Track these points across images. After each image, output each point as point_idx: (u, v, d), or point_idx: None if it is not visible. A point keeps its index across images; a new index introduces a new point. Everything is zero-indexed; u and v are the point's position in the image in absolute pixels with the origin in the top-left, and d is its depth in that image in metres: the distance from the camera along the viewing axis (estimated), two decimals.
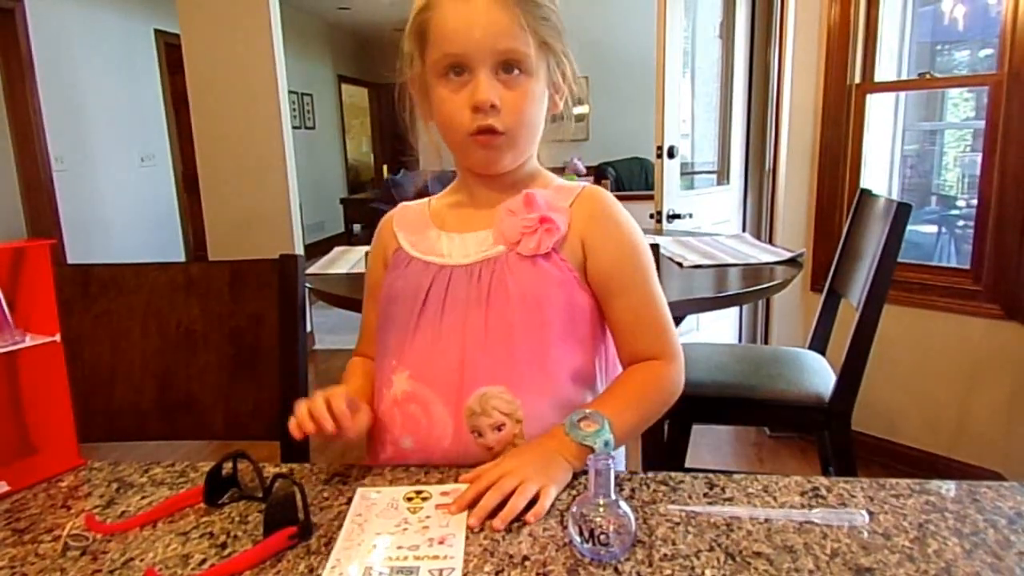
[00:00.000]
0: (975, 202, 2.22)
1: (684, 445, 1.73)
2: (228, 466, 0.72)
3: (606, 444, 0.74)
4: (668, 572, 0.57)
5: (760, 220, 2.99)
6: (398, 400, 0.84)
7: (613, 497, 0.60)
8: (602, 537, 0.58)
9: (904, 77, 2.53)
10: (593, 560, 0.59)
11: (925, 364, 2.31)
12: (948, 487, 0.69)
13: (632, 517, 0.61)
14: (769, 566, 0.58)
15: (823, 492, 0.69)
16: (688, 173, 3.12)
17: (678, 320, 1.74)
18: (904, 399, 2.37)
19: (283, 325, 1.06)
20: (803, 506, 0.67)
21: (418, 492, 0.72)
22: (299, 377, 1.06)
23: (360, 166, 10.14)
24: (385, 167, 8.84)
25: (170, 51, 5.48)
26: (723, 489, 0.70)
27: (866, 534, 0.62)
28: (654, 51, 2.56)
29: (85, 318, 1.08)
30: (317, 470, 0.77)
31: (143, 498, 0.74)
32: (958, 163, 3.93)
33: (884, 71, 2.44)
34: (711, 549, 0.60)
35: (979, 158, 2.22)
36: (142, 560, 0.62)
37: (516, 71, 0.80)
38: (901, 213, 1.44)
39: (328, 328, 4.10)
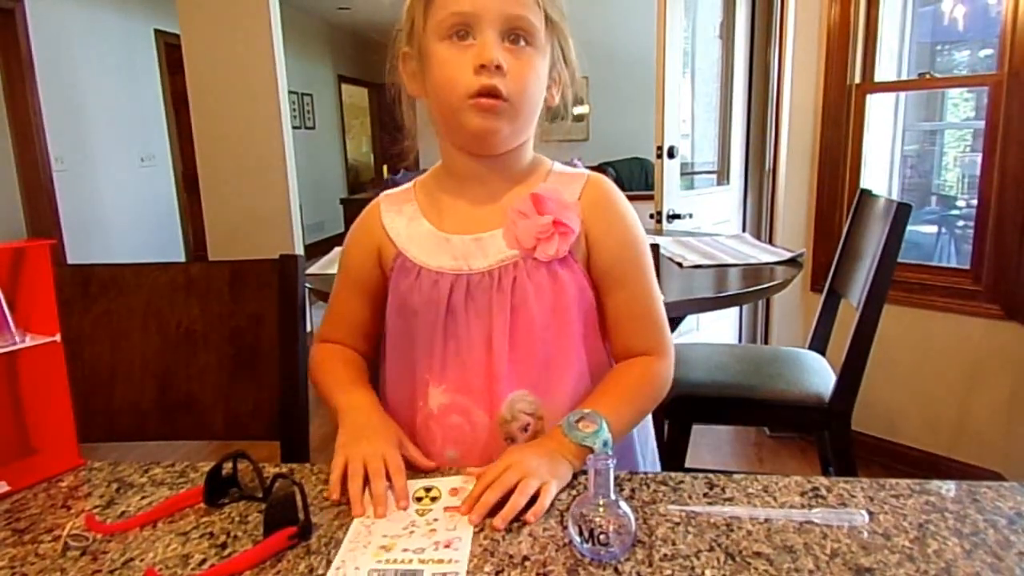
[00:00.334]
0: (975, 202, 2.22)
1: (684, 445, 1.73)
2: (228, 466, 0.72)
3: (605, 444, 0.74)
4: (668, 572, 0.57)
5: (760, 220, 2.99)
6: (434, 415, 0.83)
7: (613, 497, 0.60)
8: (602, 537, 0.58)
9: (904, 77, 2.53)
10: (593, 560, 0.59)
11: (925, 364, 2.31)
12: (948, 487, 0.69)
13: (632, 517, 0.61)
14: (769, 566, 0.58)
15: (823, 492, 0.69)
16: (688, 173, 3.12)
17: (678, 320, 1.74)
18: (904, 399, 2.37)
19: (283, 325, 1.06)
20: (803, 506, 0.67)
21: (427, 489, 0.72)
22: (299, 377, 1.06)
23: (360, 166, 10.13)
24: (385, 167, 8.81)
25: (170, 51, 5.48)
26: (723, 489, 0.70)
27: (866, 534, 0.62)
28: (654, 51, 2.57)
29: (85, 318, 1.07)
30: (317, 470, 0.77)
31: (143, 498, 0.73)
32: (958, 163, 3.92)
33: (884, 71, 2.44)
34: (711, 549, 0.60)
35: (979, 158, 2.22)
36: (142, 560, 0.62)
37: (523, 42, 0.78)
38: (901, 213, 1.44)
39: None
